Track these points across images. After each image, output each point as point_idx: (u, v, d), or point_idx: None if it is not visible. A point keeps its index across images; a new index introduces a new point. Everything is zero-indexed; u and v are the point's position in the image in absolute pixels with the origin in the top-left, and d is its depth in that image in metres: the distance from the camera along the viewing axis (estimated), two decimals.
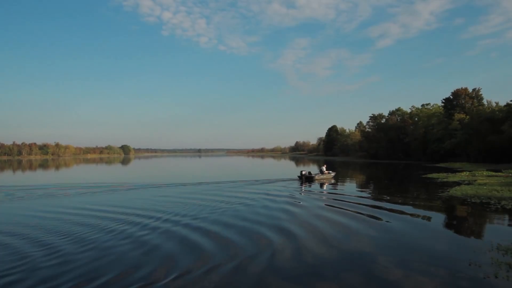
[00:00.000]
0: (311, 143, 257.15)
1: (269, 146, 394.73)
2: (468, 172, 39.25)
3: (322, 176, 35.15)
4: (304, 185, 29.76)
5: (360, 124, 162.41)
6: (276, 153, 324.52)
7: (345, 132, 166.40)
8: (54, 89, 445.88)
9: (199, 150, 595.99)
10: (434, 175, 37.83)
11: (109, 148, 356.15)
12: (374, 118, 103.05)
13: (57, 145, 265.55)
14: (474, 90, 73.03)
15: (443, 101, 76.69)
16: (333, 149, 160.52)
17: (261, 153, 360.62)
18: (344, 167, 69.82)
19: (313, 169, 54.73)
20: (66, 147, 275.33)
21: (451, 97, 74.96)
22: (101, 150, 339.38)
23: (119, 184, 31.73)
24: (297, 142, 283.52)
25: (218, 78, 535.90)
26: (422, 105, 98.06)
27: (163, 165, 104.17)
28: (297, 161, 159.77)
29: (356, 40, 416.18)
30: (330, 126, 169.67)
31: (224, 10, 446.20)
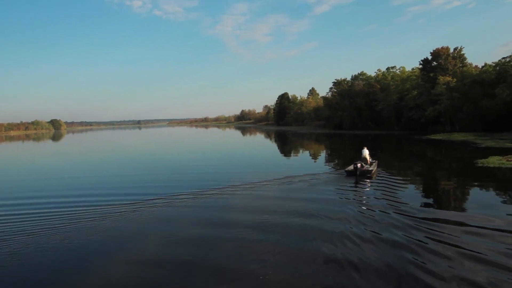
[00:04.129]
0: (257, 111, 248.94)
1: (212, 115, 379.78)
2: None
3: (372, 168, 24.26)
4: (358, 184, 21.24)
5: (313, 90, 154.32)
6: (221, 122, 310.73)
7: (297, 99, 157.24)
8: None
9: (139, 122, 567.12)
10: (494, 160, 26.19)
11: (36, 124, 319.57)
12: (338, 84, 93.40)
13: None
14: (456, 49, 65.23)
15: (421, 62, 68.28)
16: (285, 118, 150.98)
17: (204, 122, 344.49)
18: (321, 140, 60.45)
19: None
20: None
21: (430, 58, 66.65)
22: (26, 126, 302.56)
23: None
24: (242, 111, 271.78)
25: (155, 45, 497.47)
26: (388, 69, 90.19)
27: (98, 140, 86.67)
28: (244, 130, 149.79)
29: (295, 5, 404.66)
30: (275, 94, 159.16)
31: None
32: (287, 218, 14.51)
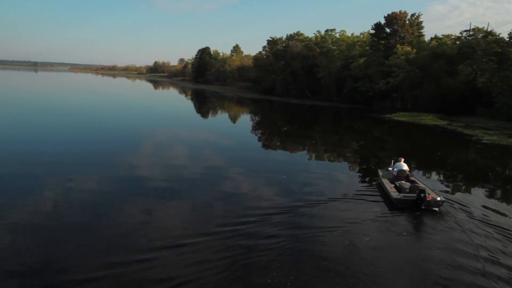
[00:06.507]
0: (171, 64, 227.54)
1: (122, 64, 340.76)
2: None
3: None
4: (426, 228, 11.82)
5: (237, 48, 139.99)
6: (131, 72, 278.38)
7: (219, 56, 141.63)
8: None
9: (35, 64, 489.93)
10: None
11: None
12: (273, 42, 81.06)
13: None
14: (413, 15, 57.15)
15: (373, 27, 59.23)
16: (205, 75, 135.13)
17: (112, 71, 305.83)
18: (255, 113, 50.56)
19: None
20: None
21: (384, 22, 57.82)
22: None
23: None
24: (156, 62, 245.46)
25: None
26: (326, 31, 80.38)
27: None
28: (157, 84, 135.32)
29: None
30: (192, 47, 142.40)
31: None
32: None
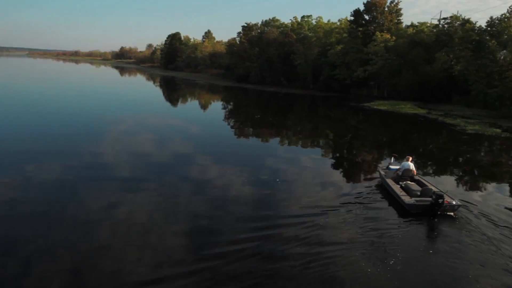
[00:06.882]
0: (139, 49, 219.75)
1: (85, 49, 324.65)
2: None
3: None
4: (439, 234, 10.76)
5: (209, 34, 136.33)
6: (95, 58, 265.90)
7: (190, 41, 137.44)
8: None
9: None
10: None
11: None
12: (248, 29, 78.83)
13: None
14: (392, 2, 56.76)
15: (352, 13, 58.43)
16: (176, 62, 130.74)
17: (75, 57, 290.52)
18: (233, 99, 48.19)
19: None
20: None
21: (363, 9, 57.14)
22: None
23: None
24: (122, 48, 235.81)
25: None
26: (303, 17, 79.14)
27: None
28: (123, 70, 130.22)
29: None
30: (161, 33, 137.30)
31: None
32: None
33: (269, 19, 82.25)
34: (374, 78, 53.61)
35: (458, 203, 11.94)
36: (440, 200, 11.28)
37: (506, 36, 42.52)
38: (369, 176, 16.43)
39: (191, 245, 9.11)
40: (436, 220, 11.40)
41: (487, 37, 43.13)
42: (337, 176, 16.97)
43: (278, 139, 24.71)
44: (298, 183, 14.98)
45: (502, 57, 42.59)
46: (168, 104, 46.45)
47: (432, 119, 35.41)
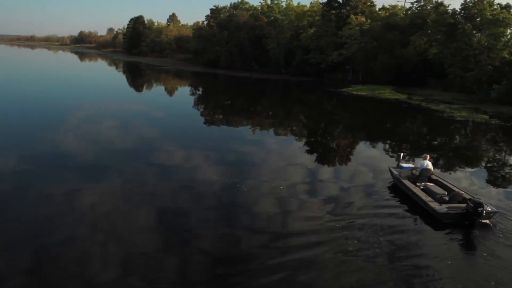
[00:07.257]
0: (99, 34, 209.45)
1: (41, 34, 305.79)
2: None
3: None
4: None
5: (173, 17, 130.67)
6: (53, 43, 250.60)
7: (154, 25, 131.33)
8: None
9: None
10: None
11: None
12: (216, 11, 75.33)
13: None
14: None
15: None
16: (140, 47, 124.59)
17: (30, 42, 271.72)
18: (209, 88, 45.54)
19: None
20: None
21: None
22: None
23: None
24: (81, 32, 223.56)
25: None
26: (272, 0, 76.44)
27: None
28: (83, 55, 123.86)
29: None
30: (123, 16, 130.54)
31: None
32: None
33: (238, 1, 79.12)
34: (349, 62, 52.47)
35: (494, 209, 10.48)
36: (480, 209, 9.74)
37: (479, 19, 42.34)
38: (378, 176, 14.39)
39: (159, 236, 8.78)
40: (476, 232, 9.85)
41: (462, 21, 42.77)
42: (345, 173, 14.91)
43: (249, 126, 23.91)
44: (296, 183, 13.08)
45: (476, 40, 42.47)
46: (132, 90, 43.91)
47: (415, 105, 34.44)
